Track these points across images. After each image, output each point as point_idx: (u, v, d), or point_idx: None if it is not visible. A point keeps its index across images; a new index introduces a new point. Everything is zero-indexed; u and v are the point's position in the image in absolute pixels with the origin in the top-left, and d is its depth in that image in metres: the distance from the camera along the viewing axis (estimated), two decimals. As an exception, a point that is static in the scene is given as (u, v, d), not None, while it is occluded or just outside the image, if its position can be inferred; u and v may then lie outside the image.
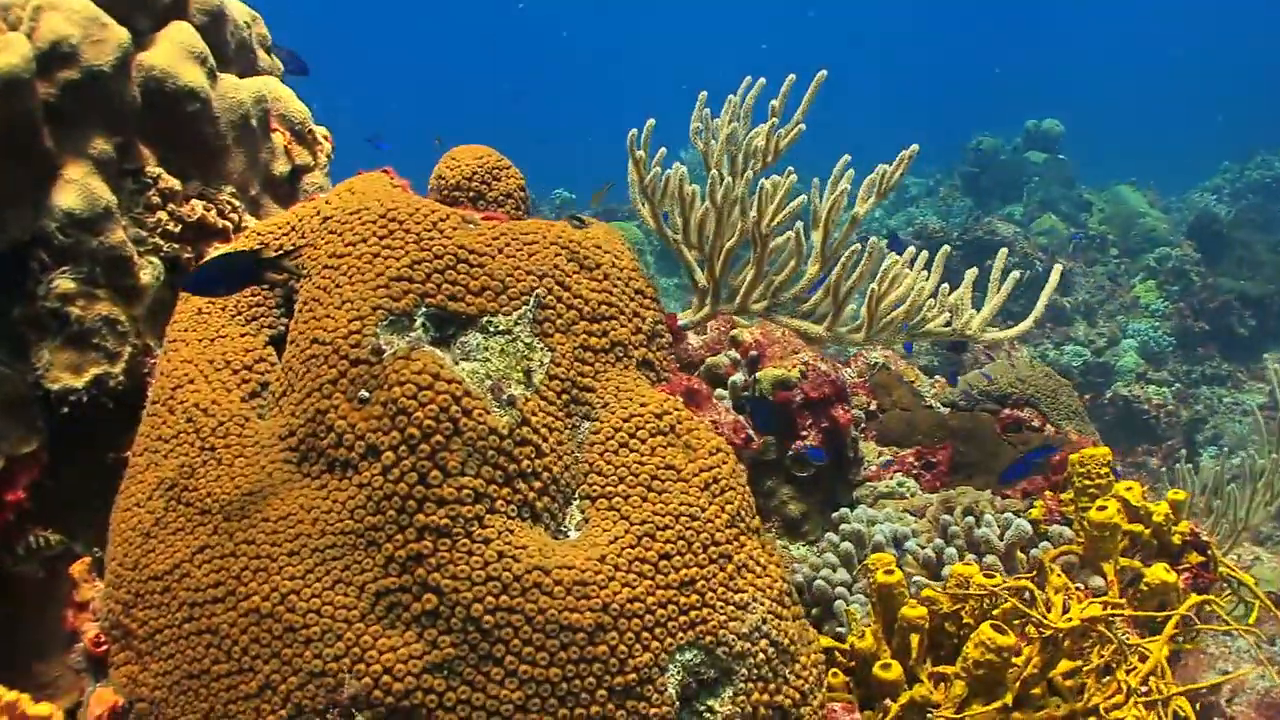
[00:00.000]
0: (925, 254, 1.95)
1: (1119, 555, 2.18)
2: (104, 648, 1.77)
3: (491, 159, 2.03)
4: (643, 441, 1.74)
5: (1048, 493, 2.59)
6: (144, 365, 1.90)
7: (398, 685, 1.53)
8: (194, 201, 1.99)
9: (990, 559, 2.28)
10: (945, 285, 1.89)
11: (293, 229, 1.89)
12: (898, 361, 3.50)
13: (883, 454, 3.10)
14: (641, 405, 1.76)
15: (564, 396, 1.74)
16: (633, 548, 1.65)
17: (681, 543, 1.68)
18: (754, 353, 2.88)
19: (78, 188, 1.80)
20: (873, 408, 3.28)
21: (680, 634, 1.64)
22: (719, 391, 2.87)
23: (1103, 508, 2.16)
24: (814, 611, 2.63)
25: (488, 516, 1.60)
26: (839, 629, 2.46)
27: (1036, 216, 11.72)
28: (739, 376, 2.88)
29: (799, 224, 1.83)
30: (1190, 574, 2.27)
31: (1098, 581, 2.18)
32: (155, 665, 1.67)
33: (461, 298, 1.72)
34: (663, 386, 1.85)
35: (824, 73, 1.98)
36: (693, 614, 1.66)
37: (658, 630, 1.63)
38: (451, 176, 2.01)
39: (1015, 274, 1.92)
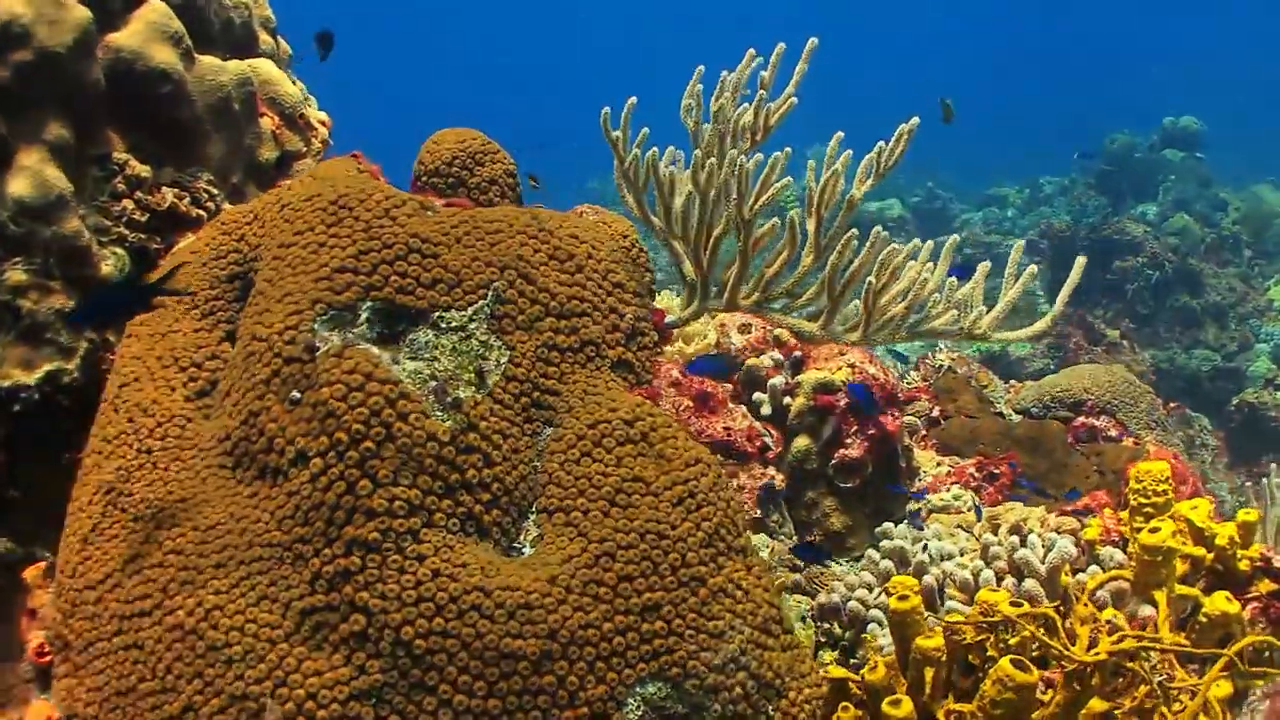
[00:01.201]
0: (930, 245, 1.76)
1: (1175, 582, 1.96)
2: (47, 658, 1.69)
3: (475, 143, 1.90)
4: (608, 451, 1.59)
5: (1107, 510, 2.36)
6: (104, 361, 1.81)
7: (322, 713, 1.41)
8: (165, 189, 1.90)
9: (1030, 584, 2.07)
10: (952, 279, 1.70)
11: (255, 217, 1.78)
12: (969, 364, 3.28)
13: (941, 464, 2.89)
14: (610, 411, 1.61)
15: (523, 400, 1.60)
16: (589, 568, 1.50)
17: (646, 564, 1.53)
18: (798, 353, 2.71)
19: (30, 175, 1.72)
20: (935, 413, 3.07)
21: (642, 664, 1.49)
22: (757, 395, 2.70)
23: (1155, 529, 1.94)
24: (847, 635, 2.45)
25: (424, 531, 1.47)
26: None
27: (1170, 216, 11.23)
28: (779, 379, 2.70)
29: (794, 211, 1.66)
30: (1259, 604, 2.03)
31: (1149, 611, 1.96)
32: (89, 680, 1.58)
33: (412, 291, 1.59)
34: (641, 390, 1.70)
35: (814, 41, 1.80)
36: (657, 643, 1.50)
37: (615, 660, 1.48)
38: (430, 162, 1.88)
39: (1031, 269, 1.71)
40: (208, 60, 2.00)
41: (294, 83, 2.47)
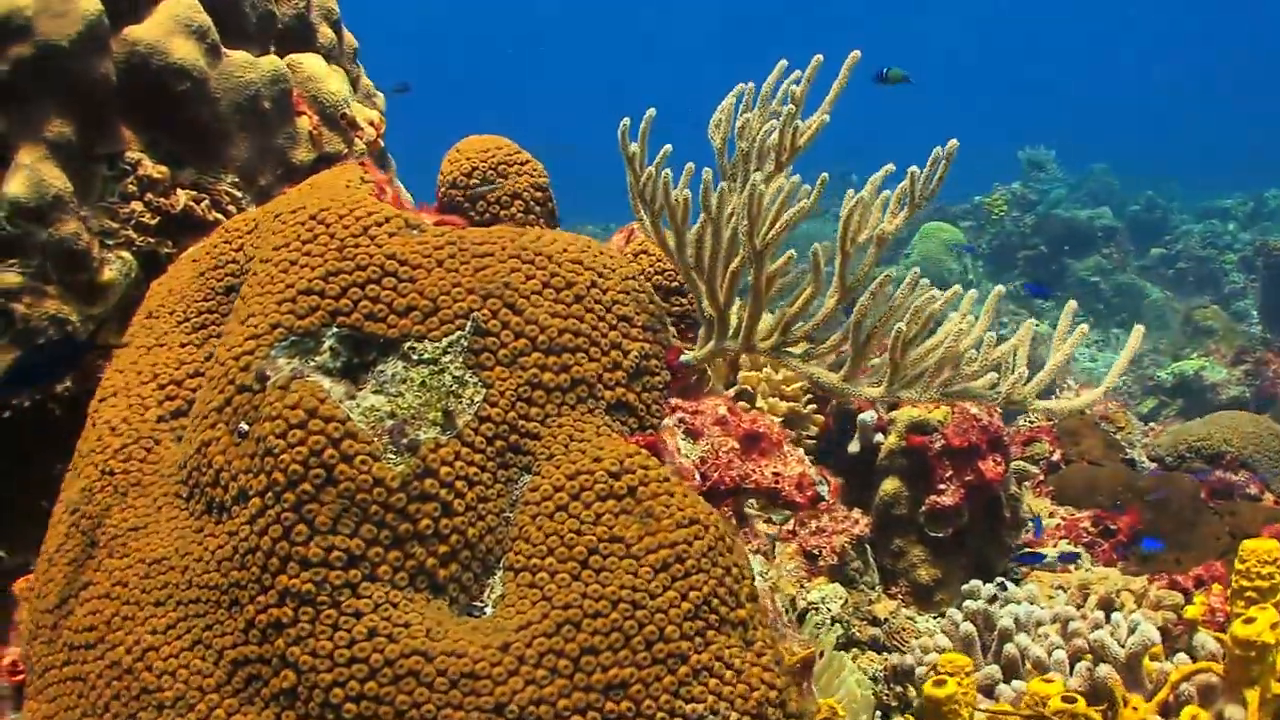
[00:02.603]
0: (973, 294, 1.55)
1: (1272, 680, 1.71)
2: (20, 675, 1.66)
3: (500, 153, 1.78)
4: (586, 506, 1.45)
5: (1216, 586, 2.11)
6: (100, 370, 1.76)
7: (245, 773, 1.33)
8: (180, 192, 1.85)
9: (1105, 670, 1.85)
10: (991, 335, 1.50)
11: (255, 226, 1.71)
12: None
13: (1054, 515, 2.66)
14: (595, 461, 1.47)
15: (498, 443, 1.47)
16: (548, 637, 1.37)
17: (616, 635, 1.39)
18: (894, 386, 2.52)
19: (26, 173, 1.68)
20: (1056, 457, 2.83)
21: (602, 749, 1.36)
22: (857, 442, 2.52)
23: (1251, 619, 1.70)
24: (918, 703, 2.27)
25: (364, 584, 1.36)
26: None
27: None
28: (871, 414, 2.52)
29: (819, 246, 1.48)
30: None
31: (1240, 713, 1.72)
32: (44, 706, 1.53)
33: (383, 317, 1.49)
34: (640, 437, 1.55)
35: (857, 53, 1.61)
36: (621, 725, 1.37)
37: (570, 742, 1.35)
38: (450, 173, 1.77)
39: (1083, 328, 1.50)
40: (237, 56, 1.94)
41: (359, 78, 2.41)
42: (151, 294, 1.74)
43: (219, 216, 1.88)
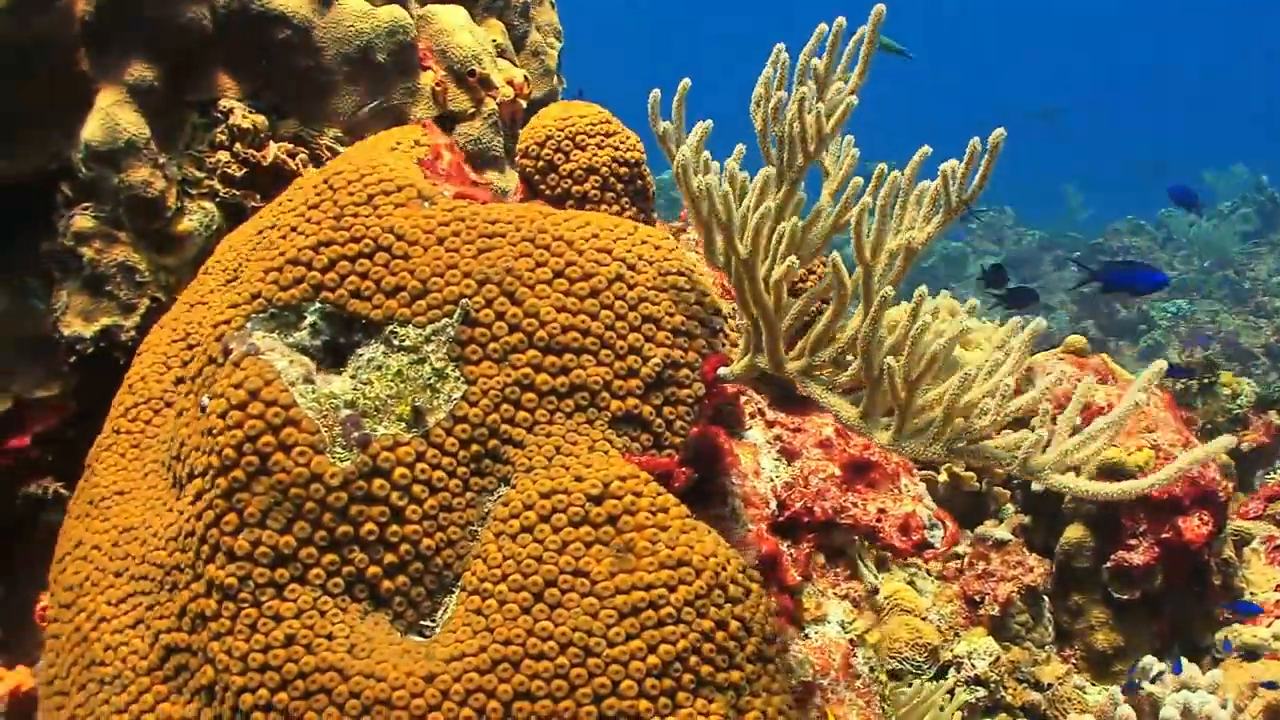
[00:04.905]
0: (1014, 322, 1.28)
1: None
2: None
3: (581, 121, 1.65)
4: (555, 530, 1.31)
5: None
6: (165, 321, 1.78)
7: (162, 768, 1.29)
8: (271, 144, 1.83)
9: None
10: (1010, 383, 1.22)
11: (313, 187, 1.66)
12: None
13: (1284, 590, 2.26)
14: (575, 480, 1.33)
15: (474, 448, 1.35)
16: (481, 673, 1.25)
17: (559, 683, 1.25)
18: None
19: (101, 117, 1.70)
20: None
21: (527, 811, 1.23)
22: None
23: None
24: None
25: (291, 586, 1.28)
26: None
27: None
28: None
29: (836, 255, 1.26)
30: None
31: None
32: (45, 657, 1.56)
33: (369, 296, 1.39)
34: (648, 459, 1.39)
35: (881, 7, 1.36)
36: (551, 788, 1.23)
37: (490, 797, 1.23)
38: (524, 141, 1.66)
39: (1139, 397, 1.19)
40: (351, 3, 1.89)
41: (527, 33, 2.32)
42: (218, 248, 1.73)
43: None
